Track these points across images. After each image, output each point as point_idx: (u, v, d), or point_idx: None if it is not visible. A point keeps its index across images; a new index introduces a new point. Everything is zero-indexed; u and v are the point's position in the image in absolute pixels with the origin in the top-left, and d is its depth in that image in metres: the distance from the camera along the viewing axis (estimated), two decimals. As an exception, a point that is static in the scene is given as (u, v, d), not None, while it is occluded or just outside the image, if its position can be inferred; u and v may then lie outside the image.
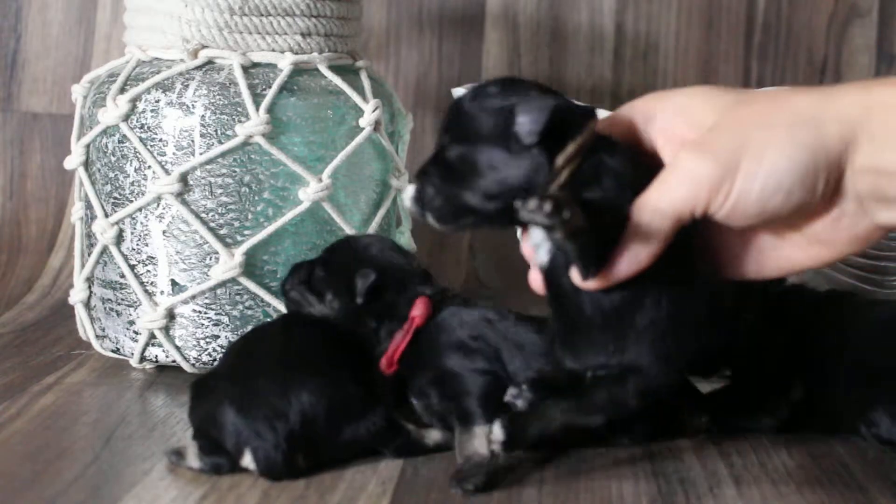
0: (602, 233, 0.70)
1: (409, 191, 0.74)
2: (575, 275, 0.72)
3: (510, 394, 0.78)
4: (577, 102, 0.76)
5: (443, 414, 0.86)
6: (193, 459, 0.82)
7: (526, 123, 0.72)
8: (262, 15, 1.04)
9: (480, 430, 0.82)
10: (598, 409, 0.76)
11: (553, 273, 0.75)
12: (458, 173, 0.73)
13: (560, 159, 0.72)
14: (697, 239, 0.74)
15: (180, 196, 1.02)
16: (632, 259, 0.72)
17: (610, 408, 0.76)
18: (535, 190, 0.71)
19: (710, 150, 0.71)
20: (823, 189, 0.70)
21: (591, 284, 0.72)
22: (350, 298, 0.90)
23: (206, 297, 1.02)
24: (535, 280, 0.77)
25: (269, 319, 1.01)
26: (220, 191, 1.02)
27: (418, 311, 0.88)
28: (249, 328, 1.01)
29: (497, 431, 0.75)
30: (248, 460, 0.81)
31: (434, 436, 0.86)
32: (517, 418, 0.77)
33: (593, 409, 0.76)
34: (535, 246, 0.75)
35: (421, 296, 0.89)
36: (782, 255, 0.75)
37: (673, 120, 0.75)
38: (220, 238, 1.02)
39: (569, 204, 0.67)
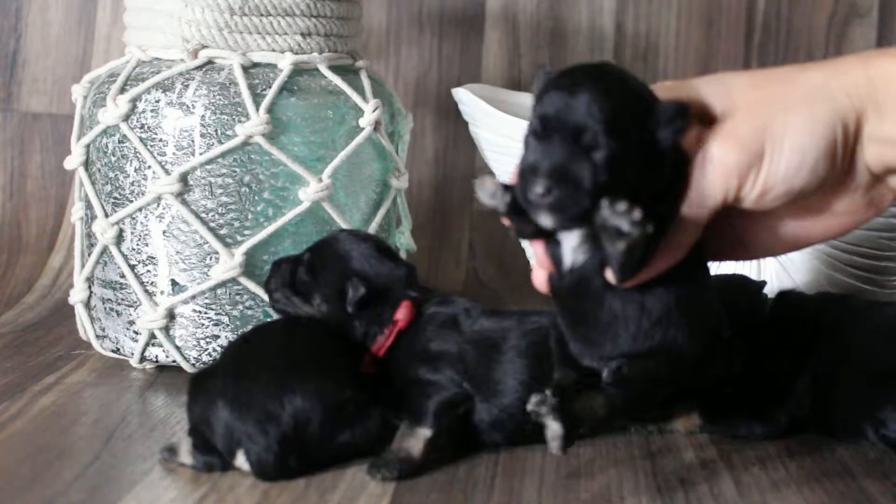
0: (652, 239, 0.71)
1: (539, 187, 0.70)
2: (610, 275, 0.72)
3: (533, 401, 0.75)
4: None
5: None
6: (186, 456, 0.82)
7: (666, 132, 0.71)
8: (263, 15, 1.04)
9: (422, 433, 0.84)
10: (636, 392, 0.76)
11: (581, 274, 0.74)
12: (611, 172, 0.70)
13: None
14: (713, 223, 0.75)
15: (180, 196, 1.02)
16: (670, 256, 0.73)
17: (647, 388, 0.76)
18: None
19: (734, 138, 0.72)
20: (842, 162, 0.72)
21: (628, 283, 0.73)
22: (339, 305, 0.90)
23: (207, 297, 1.02)
24: (541, 280, 0.77)
25: (269, 319, 1.01)
26: (220, 191, 1.02)
27: (402, 314, 0.89)
28: (249, 328, 1.01)
29: (555, 427, 0.74)
30: (241, 461, 0.81)
31: (423, 433, 0.87)
32: (568, 414, 0.75)
33: (632, 392, 0.76)
34: (572, 249, 0.74)
35: (405, 299, 0.90)
36: (799, 230, 0.76)
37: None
38: (221, 238, 1.02)
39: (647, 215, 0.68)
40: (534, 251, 0.77)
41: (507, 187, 0.72)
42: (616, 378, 0.74)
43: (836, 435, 0.90)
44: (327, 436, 0.83)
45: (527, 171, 0.70)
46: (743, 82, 0.74)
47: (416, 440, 0.84)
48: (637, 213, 0.68)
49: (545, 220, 0.70)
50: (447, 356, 0.87)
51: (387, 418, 0.86)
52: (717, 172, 0.72)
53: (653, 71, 1.49)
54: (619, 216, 0.68)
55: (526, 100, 1.26)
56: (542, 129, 0.70)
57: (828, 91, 0.72)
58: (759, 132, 0.71)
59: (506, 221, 0.74)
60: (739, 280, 0.94)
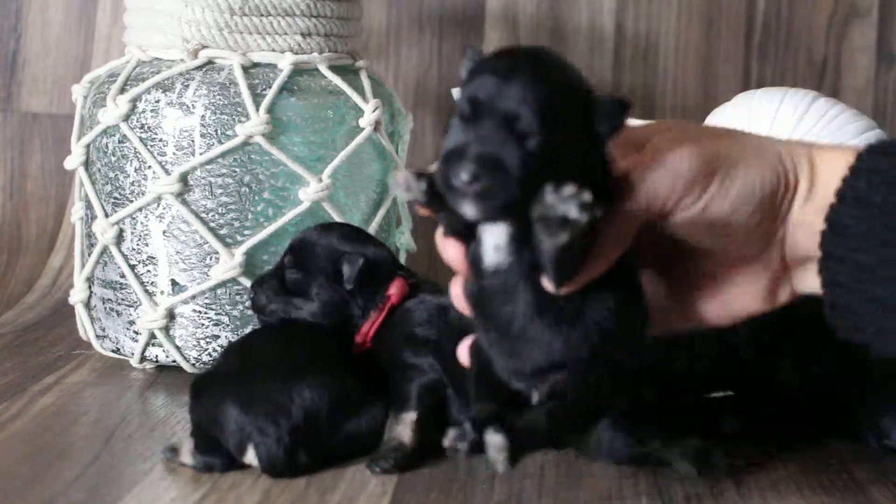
0: (587, 239, 0.66)
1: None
2: (546, 281, 0.68)
3: (451, 437, 0.69)
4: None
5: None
6: (187, 456, 0.82)
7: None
8: (263, 15, 1.04)
9: (408, 417, 0.85)
10: (578, 406, 0.70)
11: (505, 277, 0.69)
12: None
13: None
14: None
15: (180, 196, 1.02)
16: (604, 259, 0.69)
17: (590, 402, 0.70)
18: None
19: (692, 149, 0.70)
20: (772, 222, 0.72)
21: (564, 289, 0.68)
22: (337, 287, 0.91)
23: (207, 297, 1.02)
24: (458, 295, 0.72)
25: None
26: (220, 191, 1.02)
27: (395, 289, 0.90)
28: (249, 328, 1.01)
29: (496, 439, 0.67)
30: (250, 456, 0.81)
31: (409, 418, 0.87)
32: (516, 427, 0.69)
33: (573, 407, 0.70)
34: (495, 247, 0.68)
35: (397, 276, 0.91)
36: (709, 305, 0.75)
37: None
38: (221, 238, 1.02)
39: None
40: (449, 253, 0.71)
41: (421, 175, 0.66)
42: (549, 401, 0.70)
43: (837, 434, 0.90)
44: (336, 425, 0.83)
45: (451, 156, 0.64)
46: (699, 127, 0.74)
47: (404, 426, 0.85)
48: (586, 195, 0.62)
49: (468, 210, 0.64)
50: (431, 343, 0.88)
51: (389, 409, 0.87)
52: (667, 174, 0.70)
53: (653, 71, 1.49)
54: (566, 201, 0.63)
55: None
56: (472, 113, 0.65)
57: (777, 150, 0.72)
58: (716, 155, 0.71)
59: (424, 212, 0.68)
60: None
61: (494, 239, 0.68)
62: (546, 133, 0.64)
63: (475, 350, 0.74)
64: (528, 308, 0.69)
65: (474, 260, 0.70)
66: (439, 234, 0.71)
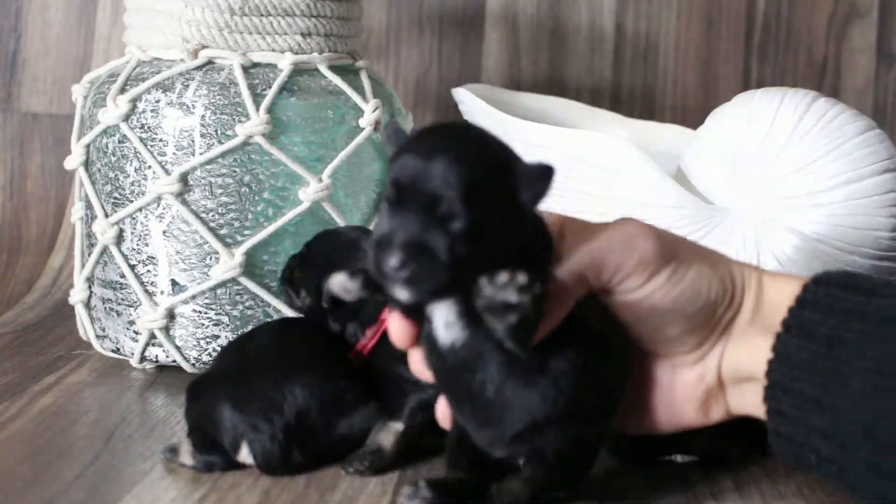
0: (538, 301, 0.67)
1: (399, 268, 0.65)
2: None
3: (405, 494, 0.72)
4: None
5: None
6: (187, 457, 0.82)
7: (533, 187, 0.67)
8: (263, 15, 1.04)
9: (394, 427, 0.85)
10: (561, 468, 0.72)
11: (465, 353, 0.70)
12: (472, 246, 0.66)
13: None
14: None
15: (180, 196, 1.02)
16: (550, 318, 0.70)
17: (573, 461, 0.72)
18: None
19: (655, 235, 0.73)
20: (713, 329, 0.74)
21: (523, 356, 0.69)
22: (318, 300, 0.90)
23: (207, 297, 1.02)
24: (418, 362, 0.74)
25: (268, 320, 1.01)
26: (220, 191, 1.02)
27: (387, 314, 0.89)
28: (249, 328, 1.01)
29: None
30: (244, 454, 0.81)
31: (395, 428, 0.87)
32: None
33: (556, 469, 0.72)
34: (445, 325, 0.70)
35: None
36: (649, 412, 0.77)
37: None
38: (221, 238, 1.02)
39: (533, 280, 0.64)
40: (394, 333, 0.72)
41: (354, 273, 0.69)
42: (433, 486, 0.72)
43: None
44: (329, 424, 0.83)
45: (381, 243, 0.65)
46: (659, 228, 0.76)
47: (388, 433, 0.85)
48: (521, 278, 0.64)
49: (402, 295, 0.66)
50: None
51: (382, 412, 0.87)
52: (622, 246, 0.71)
53: (653, 71, 1.49)
54: (504, 288, 0.64)
55: (526, 100, 1.26)
56: (396, 197, 0.66)
57: (730, 265, 0.75)
58: (673, 250, 0.73)
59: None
60: None
61: (444, 317, 0.70)
62: (470, 213, 0.65)
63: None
64: (498, 372, 0.70)
65: (429, 339, 0.71)
66: (387, 314, 0.73)
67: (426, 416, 0.85)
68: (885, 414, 0.66)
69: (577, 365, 0.71)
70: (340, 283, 0.70)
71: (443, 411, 0.76)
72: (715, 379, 0.75)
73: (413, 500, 0.72)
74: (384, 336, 0.88)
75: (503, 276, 0.64)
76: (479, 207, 0.65)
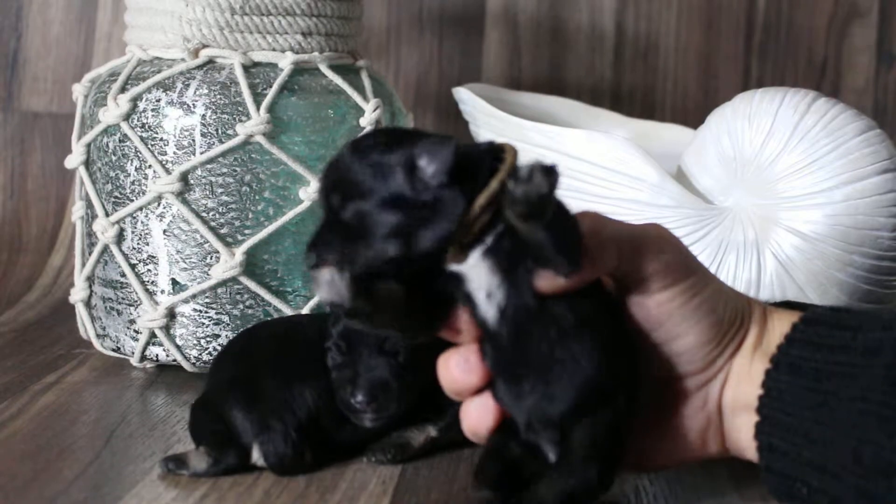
0: (565, 220, 0.67)
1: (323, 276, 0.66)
2: (547, 280, 0.68)
3: None
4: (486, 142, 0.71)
5: None
6: (200, 463, 0.81)
7: (429, 166, 0.67)
8: (263, 14, 1.04)
9: (430, 429, 0.85)
10: (586, 457, 0.70)
11: (513, 317, 0.70)
12: (362, 232, 0.67)
13: (481, 199, 0.67)
14: None
15: (181, 195, 1.02)
16: (592, 264, 0.70)
17: (596, 450, 0.71)
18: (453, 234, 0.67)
19: (682, 245, 0.75)
20: (723, 349, 0.75)
21: (572, 280, 0.69)
22: None
23: (207, 297, 1.03)
24: (473, 357, 0.73)
25: (249, 325, 1.01)
26: (220, 190, 1.02)
27: None
28: (237, 333, 1.00)
29: None
30: (256, 456, 0.81)
31: (429, 432, 0.87)
32: None
33: (582, 459, 0.70)
34: (489, 296, 0.69)
35: None
36: (650, 446, 0.77)
37: None
38: (221, 237, 1.02)
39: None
40: (458, 323, 0.71)
41: (343, 274, 0.67)
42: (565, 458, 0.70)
43: None
44: (336, 426, 0.84)
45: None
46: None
47: (420, 434, 0.85)
48: (539, 165, 0.63)
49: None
50: None
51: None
52: (659, 243, 0.73)
53: (653, 71, 1.49)
54: (530, 181, 0.63)
55: (526, 99, 1.26)
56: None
57: (739, 294, 0.77)
58: (696, 266, 0.74)
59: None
60: None
61: (484, 290, 0.69)
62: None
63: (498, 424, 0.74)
64: (553, 329, 0.70)
65: (481, 323, 0.71)
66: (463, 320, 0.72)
67: (458, 432, 0.85)
68: (871, 439, 0.68)
69: (619, 334, 0.72)
70: (326, 277, 0.67)
71: (481, 414, 0.74)
72: (716, 406, 0.76)
73: None
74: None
75: (524, 170, 0.63)
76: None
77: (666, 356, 0.75)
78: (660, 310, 0.73)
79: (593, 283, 0.71)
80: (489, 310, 0.70)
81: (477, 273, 0.69)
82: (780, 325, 0.75)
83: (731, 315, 0.74)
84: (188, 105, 1.02)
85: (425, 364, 0.76)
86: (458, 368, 0.73)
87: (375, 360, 0.82)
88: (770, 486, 0.74)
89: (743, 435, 0.75)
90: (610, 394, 0.71)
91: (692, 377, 0.75)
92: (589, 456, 0.70)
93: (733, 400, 0.75)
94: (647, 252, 0.72)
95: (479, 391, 0.74)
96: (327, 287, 0.66)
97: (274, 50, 1.05)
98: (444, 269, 0.69)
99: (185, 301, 1.03)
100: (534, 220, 0.65)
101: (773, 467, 0.73)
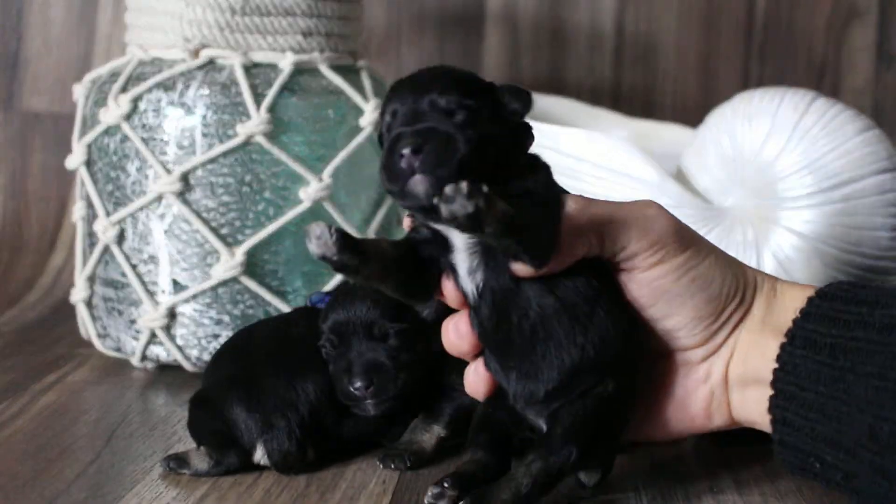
0: (538, 217, 0.69)
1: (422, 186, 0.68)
2: (521, 267, 0.70)
3: (430, 495, 0.72)
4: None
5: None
6: (202, 462, 0.82)
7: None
8: (264, 14, 1.05)
9: (438, 431, 0.86)
10: (566, 439, 0.71)
11: (492, 296, 0.72)
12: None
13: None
14: None
15: (181, 195, 1.02)
16: (566, 250, 0.71)
17: (576, 431, 0.72)
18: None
19: (675, 219, 0.74)
20: (722, 324, 0.75)
21: (544, 269, 0.70)
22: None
23: (208, 297, 1.03)
24: (464, 325, 0.75)
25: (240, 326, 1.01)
26: (221, 190, 1.02)
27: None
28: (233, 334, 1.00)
29: None
30: (259, 454, 0.82)
31: (437, 432, 0.87)
32: (482, 494, 0.71)
33: (561, 441, 0.71)
34: (470, 272, 0.72)
35: None
36: (657, 416, 0.77)
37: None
38: (222, 237, 1.02)
39: (481, 191, 0.64)
40: (443, 291, 0.74)
41: (333, 229, 0.68)
42: (455, 480, 0.72)
43: None
44: (336, 423, 0.84)
45: (392, 147, 0.69)
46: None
47: (430, 436, 0.86)
48: (464, 186, 0.63)
49: (419, 188, 0.68)
50: None
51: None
52: (645, 222, 0.73)
53: (653, 71, 1.49)
54: (449, 200, 0.64)
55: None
56: (395, 119, 0.71)
57: (744, 267, 0.76)
58: (692, 237, 0.74)
59: (407, 223, 0.73)
60: None
61: (465, 266, 0.72)
62: (468, 104, 0.70)
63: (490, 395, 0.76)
64: (526, 315, 0.72)
65: (463, 294, 0.74)
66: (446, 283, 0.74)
67: (464, 423, 0.86)
68: (888, 416, 0.67)
69: (609, 311, 0.72)
70: (451, 189, 0.65)
71: (474, 379, 0.76)
72: (721, 379, 0.76)
73: (441, 501, 0.72)
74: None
75: (449, 189, 0.64)
76: (476, 102, 0.70)
77: (663, 331, 0.75)
78: (651, 287, 0.73)
79: (583, 262, 0.72)
80: (468, 285, 0.73)
81: (459, 241, 0.72)
82: (792, 300, 0.75)
83: (729, 289, 0.74)
84: (188, 105, 1.02)
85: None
86: (453, 333, 0.76)
87: (366, 346, 0.83)
88: (783, 459, 0.73)
89: (755, 408, 0.75)
90: (594, 377, 0.72)
91: (692, 350, 0.75)
92: (569, 436, 0.72)
93: (742, 374, 0.75)
94: (632, 231, 0.72)
95: (476, 356, 0.76)
96: (316, 242, 0.67)
97: (274, 50, 1.05)
98: (434, 229, 0.72)
99: (186, 301, 1.03)
100: (474, 233, 0.67)
101: (786, 441, 0.72)
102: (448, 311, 0.76)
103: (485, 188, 0.64)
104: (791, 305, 0.75)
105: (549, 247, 0.70)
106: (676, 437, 0.79)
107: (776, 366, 0.73)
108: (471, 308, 0.74)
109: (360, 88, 1.07)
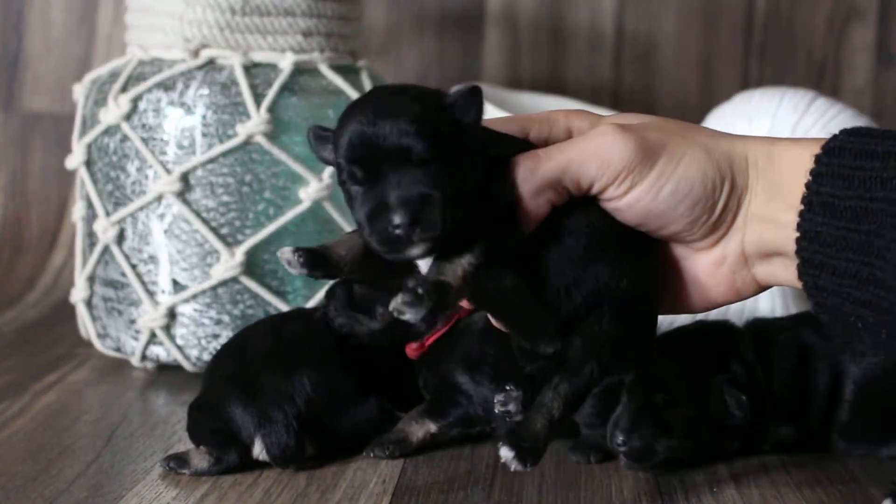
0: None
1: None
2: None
3: (499, 401, 0.73)
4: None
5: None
6: (201, 461, 0.82)
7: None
8: (264, 15, 1.05)
9: (430, 426, 0.86)
10: (584, 359, 0.72)
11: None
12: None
13: None
14: None
15: (181, 195, 1.02)
16: (525, 226, 0.71)
17: (593, 348, 0.72)
18: None
19: (637, 135, 0.71)
20: (719, 216, 0.73)
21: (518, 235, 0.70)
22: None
23: (207, 297, 1.03)
24: None
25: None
26: (221, 190, 1.02)
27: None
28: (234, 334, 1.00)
29: (505, 453, 0.69)
30: (258, 449, 0.82)
31: (429, 427, 0.88)
32: (517, 431, 0.71)
33: (580, 361, 0.71)
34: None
35: None
36: (686, 292, 0.76)
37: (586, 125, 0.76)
38: (221, 237, 1.02)
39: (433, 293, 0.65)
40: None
41: (298, 253, 0.68)
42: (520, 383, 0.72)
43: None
44: (333, 417, 0.84)
45: (375, 213, 0.66)
46: (656, 120, 0.75)
47: (420, 428, 0.86)
48: (416, 287, 0.64)
49: (415, 252, 0.67)
50: (489, 359, 0.88)
51: (384, 407, 0.88)
52: (593, 151, 0.71)
53: (653, 71, 1.49)
54: (403, 308, 0.64)
55: (526, 100, 1.26)
56: (363, 171, 0.67)
57: (727, 150, 0.73)
58: (660, 145, 0.72)
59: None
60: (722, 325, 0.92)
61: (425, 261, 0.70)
62: (437, 152, 0.67)
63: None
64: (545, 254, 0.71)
65: None
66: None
67: (462, 430, 0.87)
68: None
69: (594, 249, 0.72)
70: (287, 256, 0.68)
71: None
72: (739, 257, 0.74)
73: (509, 404, 0.72)
74: (447, 339, 0.89)
75: (397, 300, 0.64)
76: (442, 144, 0.67)
77: (666, 235, 0.74)
78: (633, 211, 0.72)
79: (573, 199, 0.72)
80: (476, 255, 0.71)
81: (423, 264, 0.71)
82: (796, 161, 0.72)
83: (714, 183, 0.72)
84: (188, 105, 1.02)
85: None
86: None
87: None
88: (824, 319, 0.72)
89: (783, 274, 0.73)
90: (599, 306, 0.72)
91: (702, 241, 0.74)
92: (587, 353, 0.71)
93: (759, 247, 0.73)
94: (592, 168, 0.71)
95: None
96: (289, 266, 0.68)
97: (274, 50, 1.05)
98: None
99: (186, 301, 1.03)
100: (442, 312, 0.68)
101: (824, 304, 0.71)
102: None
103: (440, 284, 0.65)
104: (797, 168, 0.72)
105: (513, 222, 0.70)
106: (705, 311, 0.78)
107: (798, 234, 0.70)
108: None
109: (360, 88, 1.07)
